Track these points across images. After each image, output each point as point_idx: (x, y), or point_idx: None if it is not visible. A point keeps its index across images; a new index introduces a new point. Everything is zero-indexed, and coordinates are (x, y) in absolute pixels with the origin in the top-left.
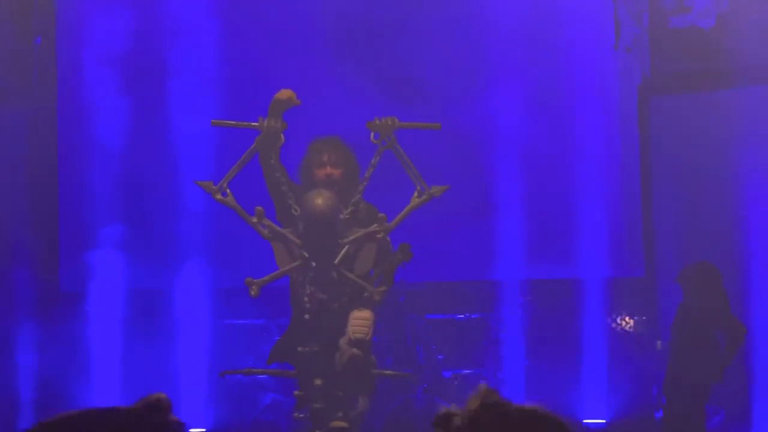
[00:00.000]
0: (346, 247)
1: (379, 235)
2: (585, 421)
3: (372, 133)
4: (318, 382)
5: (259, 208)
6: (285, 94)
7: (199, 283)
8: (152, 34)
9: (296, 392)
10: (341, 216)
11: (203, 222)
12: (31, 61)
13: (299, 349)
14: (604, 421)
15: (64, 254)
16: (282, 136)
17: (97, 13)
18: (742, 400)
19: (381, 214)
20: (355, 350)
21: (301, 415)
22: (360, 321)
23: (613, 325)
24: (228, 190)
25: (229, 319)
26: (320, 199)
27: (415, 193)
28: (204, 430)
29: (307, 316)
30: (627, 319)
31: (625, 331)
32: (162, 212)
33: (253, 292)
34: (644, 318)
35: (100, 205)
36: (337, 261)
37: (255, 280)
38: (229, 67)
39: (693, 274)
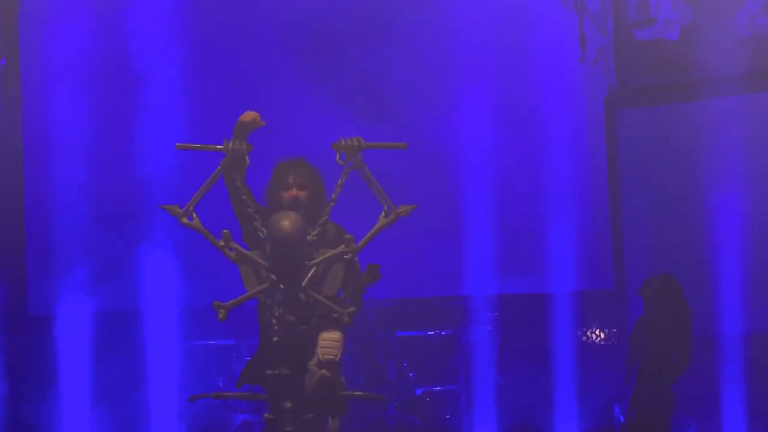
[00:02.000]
0: (314, 268)
1: (346, 256)
2: None
3: (338, 154)
4: (288, 404)
5: (226, 231)
6: (249, 116)
7: (169, 303)
8: (116, 53)
9: (266, 415)
10: (308, 237)
11: (171, 243)
12: None
13: (268, 371)
14: None
15: (32, 277)
16: (247, 158)
17: (60, 33)
18: (713, 412)
19: (348, 235)
20: (324, 372)
21: None
22: (329, 342)
23: (584, 338)
24: (194, 214)
25: (199, 339)
26: (287, 221)
27: (382, 214)
28: None
29: (275, 339)
30: (597, 332)
31: (596, 343)
32: (130, 234)
33: (221, 316)
34: (615, 330)
35: (68, 227)
36: (304, 282)
37: (223, 304)
38: (194, 84)
39: (653, 289)
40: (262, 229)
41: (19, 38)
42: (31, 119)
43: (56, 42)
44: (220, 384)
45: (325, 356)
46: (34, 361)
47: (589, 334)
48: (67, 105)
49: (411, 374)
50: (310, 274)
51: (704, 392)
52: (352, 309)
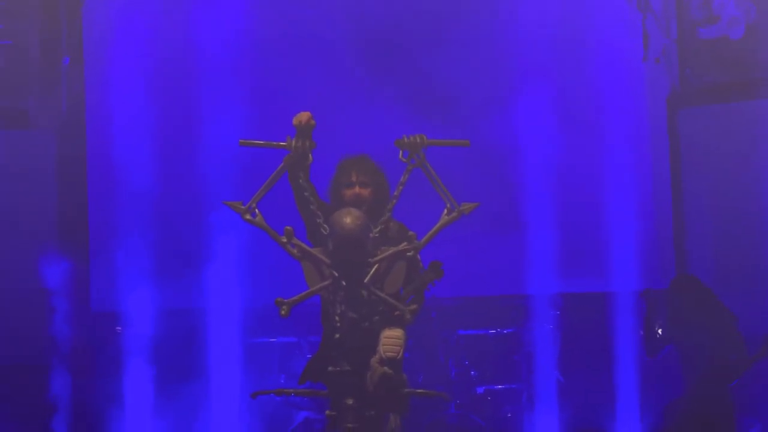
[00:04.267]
0: (376, 265)
1: (409, 253)
2: None
3: (401, 151)
4: (349, 401)
5: (288, 227)
6: (300, 117)
7: (231, 300)
8: (179, 53)
9: (328, 412)
10: (370, 234)
11: (234, 241)
12: (60, 82)
13: (330, 368)
14: None
15: (95, 274)
16: (310, 155)
17: (124, 32)
18: None
19: (411, 232)
20: (386, 369)
21: None
22: (391, 340)
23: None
24: (257, 210)
25: (262, 337)
26: (349, 218)
27: (445, 211)
28: None
29: (338, 336)
30: (660, 331)
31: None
32: (192, 231)
33: (283, 312)
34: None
35: (131, 225)
36: (366, 280)
37: (285, 300)
38: (257, 82)
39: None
40: (325, 226)
41: (83, 36)
42: (95, 117)
43: (120, 39)
44: (282, 381)
45: (387, 353)
46: (96, 357)
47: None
48: (130, 102)
49: (472, 373)
50: (372, 271)
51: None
52: (414, 306)
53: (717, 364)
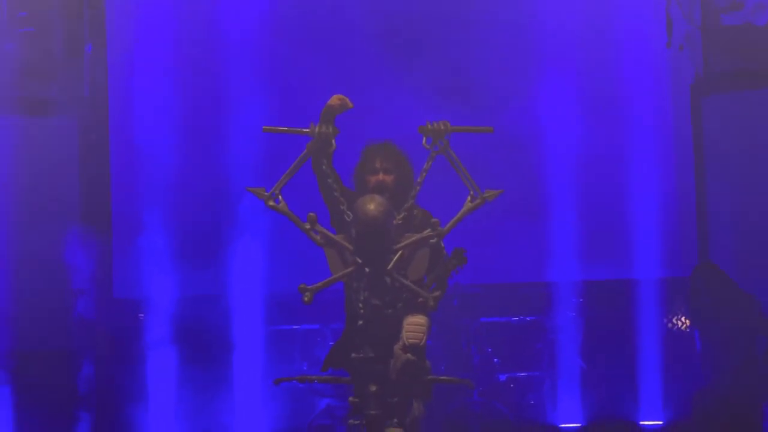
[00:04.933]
0: (400, 252)
1: (432, 240)
2: (642, 422)
3: (424, 138)
4: (373, 388)
5: (312, 214)
6: (337, 99)
7: (254, 288)
8: (202, 41)
9: (351, 398)
10: (394, 221)
11: (256, 228)
12: (82, 69)
13: (353, 355)
14: (660, 422)
15: (117, 261)
16: (333, 141)
17: (147, 19)
18: None
19: (434, 219)
20: (409, 356)
21: (356, 422)
22: (414, 326)
23: (669, 325)
24: (280, 197)
25: (284, 324)
26: (372, 205)
27: (469, 198)
28: None
29: (360, 322)
30: (683, 319)
31: (681, 331)
32: (214, 218)
33: (306, 299)
34: None
35: (153, 212)
36: (390, 266)
37: (308, 287)
38: (283, 70)
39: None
40: (348, 212)
41: (106, 23)
42: (118, 103)
43: (143, 26)
44: (305, 368)
45: (410, 340)
46: (118, 343)
47: (674, 321)
48: (153, 89)
49: (495, 360)
50: (395, 258)
51: None
52: (437, 293)
53: (744, 352)
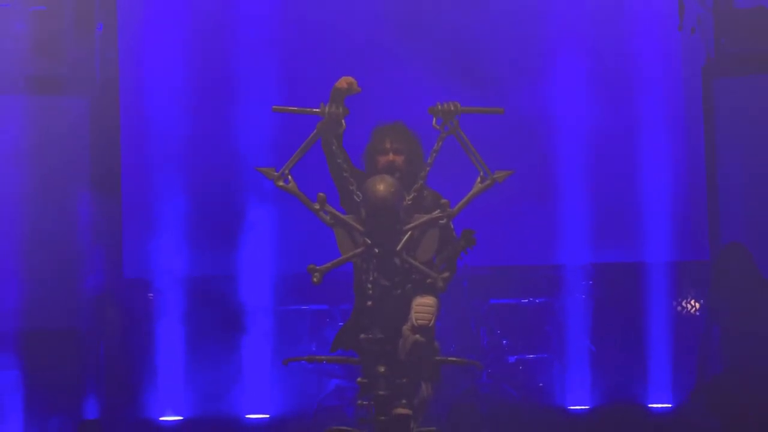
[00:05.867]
0: (409, 233)
1: (442, 221)
2: (650, 405)
3: (434, 119)
4: (381, 369)
5: (321, 194)
6: (345, 81)
7: (263, 268)
8: (213, 21)
9: (359, 379)
10: (403, 202)
11: (266, 208)
12: (93, 49)
13: (362, 336)
14: (669, 405)
15: (128, 241)
16: (343, 121)
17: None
18: None
19: (444, 200)
20: (418, 336)
21: (365, 402)
22: (423, 307)
23: (678, 308)
24: (290, 177)
25: (293, 304)
26: (382, 185)
27: (478, 179)
28: (268, 415)
29: (369, 303)
30: (692, 302)
31: (691, 314)
32: (225, 198)
33: (315, 279)
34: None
35: (164, 193)
36: (399, 247)
37: (317, 267)
38: (292, 48)
39: (730, 258)
40: (358, 192)
41: (117, 2)
42: (128, 83)
43: (153, 6)
44: (314, 349)
45: (418, 321)
46: (129, 324)
47: (684, 304)
48: (163, 68)
49: (504, 342)
50: (405, 238)
51: None
52: (446, 274)
53: (763, 336)
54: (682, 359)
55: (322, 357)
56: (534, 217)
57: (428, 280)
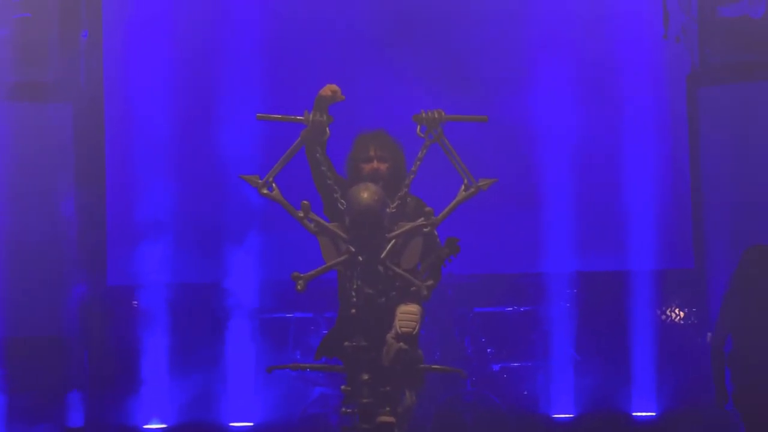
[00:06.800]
0: (393, 241)
1: (426, 229)
2: (635, 413)
3: (418, 126)
4: (365, 377)
5: (305, 202)
6: (329, 89)
7: (247, 276)
8: (198, 28)
9: (343, 387)
10: (387, 210)
11: (250, 216)
12: (78, 56)
13: (346, 343)
14: (653, 413)
15: (112, 248)
16: (327, 129)
17: (143, 6)
18: None
19: (428, 208)
20: (402, 344)
21: (349, 410)
22: (407, 315)
23: (663, 317)
24: (274, 185)
25: (277, 312)
26: (366, 193)
27: (462, 187)
28: (252, 423)
29: (353, 311)
30: (677, 310)
31: (675, 323)
32: (210, 206)
33: (299, 287)
34: (694, 310)
35: (148, 199)
36: (383, 255)
37: (301, 275)
38: (276, 56)
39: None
40: (342, 200)
41: (102, 9)
42: (113, 90)
43: (138, 13)
44: (298, 357)
45: (402, 329)
46: (113, 331)
47: (668, 312)
48: (148, 75)
49: (488, 350)
50: (389, 246)
51: None
52: (430, 282)
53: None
54: (666, 367)
55: (306, 365)
56: (518, 225)
57: (412, 288)
